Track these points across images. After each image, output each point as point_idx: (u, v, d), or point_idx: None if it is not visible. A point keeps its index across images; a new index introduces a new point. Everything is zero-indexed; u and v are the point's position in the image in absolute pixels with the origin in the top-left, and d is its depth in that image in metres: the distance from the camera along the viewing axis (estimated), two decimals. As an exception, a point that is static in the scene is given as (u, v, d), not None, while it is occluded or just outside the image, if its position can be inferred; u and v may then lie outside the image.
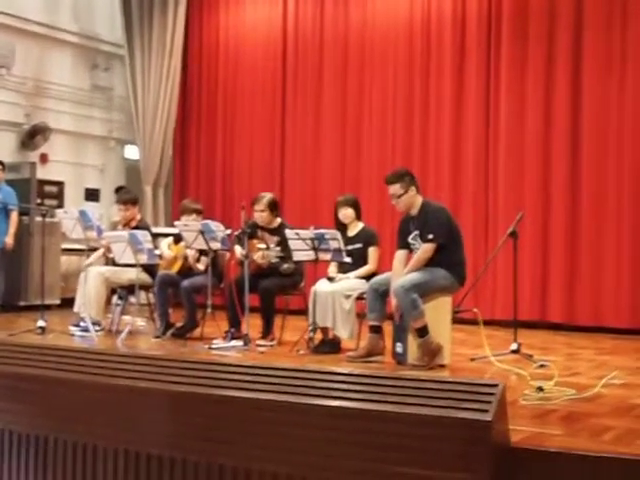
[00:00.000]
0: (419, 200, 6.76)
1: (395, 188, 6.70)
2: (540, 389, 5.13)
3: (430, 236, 6.54)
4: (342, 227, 7.61)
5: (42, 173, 11.76)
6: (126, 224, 8.79)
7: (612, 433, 4.06)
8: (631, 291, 9.13)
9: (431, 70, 10.60)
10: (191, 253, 8.22)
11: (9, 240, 9.95)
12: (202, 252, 8.16)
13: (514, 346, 6.81)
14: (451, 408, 3.56)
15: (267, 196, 8.15)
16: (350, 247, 7.39)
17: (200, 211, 8.53)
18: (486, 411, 3.47)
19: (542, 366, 6.29)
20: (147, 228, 8.60)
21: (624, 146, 9.24)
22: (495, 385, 3.63)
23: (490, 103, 10.15)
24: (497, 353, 6.65)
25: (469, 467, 3.44)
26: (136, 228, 8.54)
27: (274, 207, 8.11)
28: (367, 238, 7.54)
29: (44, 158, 12.08)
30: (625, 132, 9.24)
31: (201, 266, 8.21)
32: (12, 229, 10.01)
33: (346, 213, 7.64)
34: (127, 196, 9.04)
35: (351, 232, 7.61)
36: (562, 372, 5.94)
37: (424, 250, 6.55)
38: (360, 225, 7.68)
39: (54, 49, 12.35)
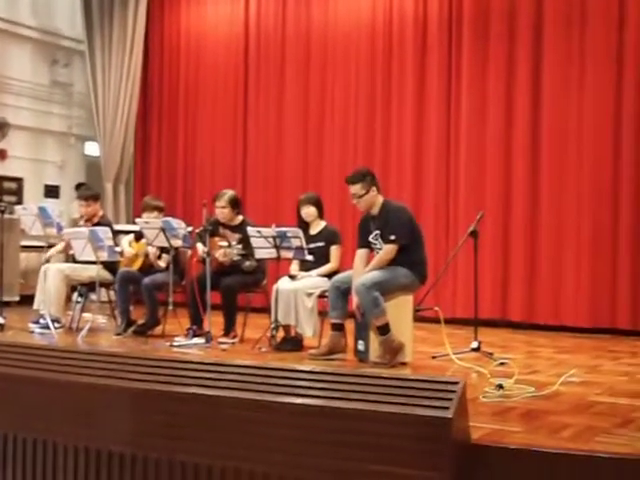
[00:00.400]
0: (380, 200, 6.79)
1: (356, 188, 6.73)
2: (500, 387, 5.17)
3: (392, 237, 6.57)
4: (304, 225, 7.61)
5: (1, 169, 11.64)
6: (88, 220, 8.73)
7: (570, 430, 4.11)
8: (590, 291, 9.22)
9: (393, 69, 10.63)
10: (152, 250, 8.18)
11: None
12: (163, 249, 8.12)
13: (474, 344, 6.85)
14: (412, 405, 3.59)
15: (228, 193, 8.14)
16: (312, 245, 7.41)
17: (161, 208, 8.49)
18: (447, 408, 3.49)
19: (502, 364, 6.34)
20: (109, 225, 8.56)
21: (584, 145, 9.33)
22: (456, 382, 3.65)
23: (451, 103, 10.21)
24: (458, 351, 6.70)
25: (430, 463, 3.46)
26: (98, 224, 8.50)
27: (235, 204, 8.09)
28: (329, 236, 7.55)
29: (3, 154, 11.95)
30: (585, 131, 9.33)
31: (162, 263, 8.17)
32: None
33: (308, 211, 7.65)
34: (88, 192, 8.99)
35: (313, 230, 7.63)
36: (522, 370, 6.01)
37: (386, 251, 6.58)
38: (322, 224, 7.69)
39: (13, 44, 12.21)
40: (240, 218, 8.13)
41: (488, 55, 9.95)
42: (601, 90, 9.26)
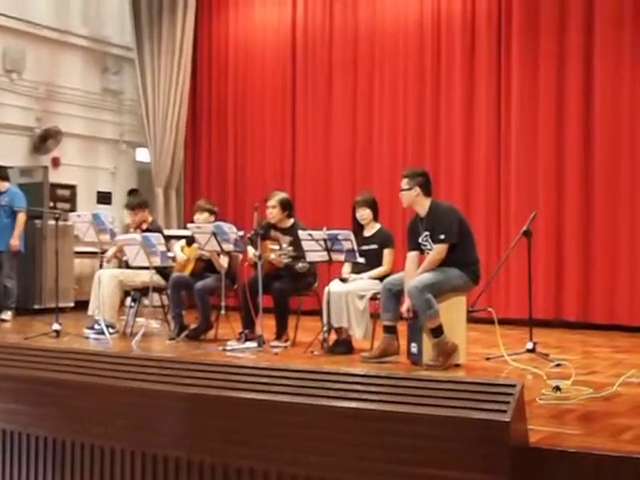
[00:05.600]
0: (426, 202, 6.71)
1: (404, 181, 6.77)
2: (557, 388, 5.09)
3: (442, 236, 6.51)
4: (359, 226, 7.60)
5: (54, 177, 11.75)
6: (137, 227, 8.80)
7: (631, 433, 4.03)
8: (646, 288, 9.08)
9: (442, 67, 10.55)
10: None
11: (14, 241, 9.91)
12: (219, 253, 8.11)
13: (529, 345, 6.76)
14: (469, 409, 3.55)
15: (280, 194, 8.16)
16: (365, 247, 7.38)
17: (213, 211, 8.53)
18: (504, 411, 3.45)
19: (558, 365, 6.25)
20: (159, 230, 8.61)
21: (637, 140, 9.18)
22: (513, 385, 3.61)
23: (501, 100, 10.10)
24: (512, 352, 6.62)
25: (488, 468, 3.42)
26: (147, 230, 8.57)
27: (285, 206, 8.08)
28: (383, 239, 7.52)
29: (56, 162, 12.10)
30: (638, 127, 9.18)
31: (225, 263, 8.15)
32: (17, 230, 9.96)
33: (363, 214, 7.61)
34: (135, 201, 9.07)
35: (367, 232, 7.59)
36: (578, 371, 5.90)
37: (437, 251, 6.53)
38: (377, 226, 7.65)
39: (65, 53, 12.36)
40: (291, 221, 8.13)
41: (538, 50, 9.81)
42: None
